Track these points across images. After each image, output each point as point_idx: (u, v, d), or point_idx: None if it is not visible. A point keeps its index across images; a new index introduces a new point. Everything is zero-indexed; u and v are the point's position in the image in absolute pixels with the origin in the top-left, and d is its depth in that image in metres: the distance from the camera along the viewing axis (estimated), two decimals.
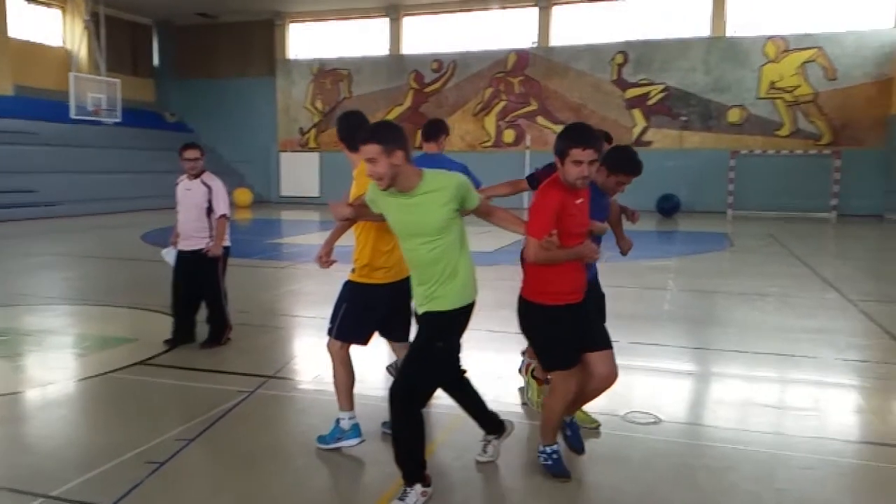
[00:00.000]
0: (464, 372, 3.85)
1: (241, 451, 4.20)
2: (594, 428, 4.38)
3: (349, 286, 4.22)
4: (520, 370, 5.17)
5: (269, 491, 3.66)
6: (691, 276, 11.11)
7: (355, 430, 4.17)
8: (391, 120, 3.60)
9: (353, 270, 4.20)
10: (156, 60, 32.29)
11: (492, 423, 3.92)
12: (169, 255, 6.55)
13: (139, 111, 28.70)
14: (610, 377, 3.72)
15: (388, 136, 3.17)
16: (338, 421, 4.19)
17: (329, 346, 4.21)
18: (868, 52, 23.43)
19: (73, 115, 23.27)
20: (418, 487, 3.42)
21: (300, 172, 30.02)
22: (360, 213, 3.69)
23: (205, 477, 3.90)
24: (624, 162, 4.03)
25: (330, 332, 4.20)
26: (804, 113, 24.22)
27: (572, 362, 3.66)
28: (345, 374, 4.20)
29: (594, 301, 4.38)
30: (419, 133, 21.80)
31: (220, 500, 3.60)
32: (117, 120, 24.89)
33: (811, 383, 5.60)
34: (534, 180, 4.44)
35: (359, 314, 4.15)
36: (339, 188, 22.49)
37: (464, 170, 4.63)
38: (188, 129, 31.32)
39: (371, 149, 3.15)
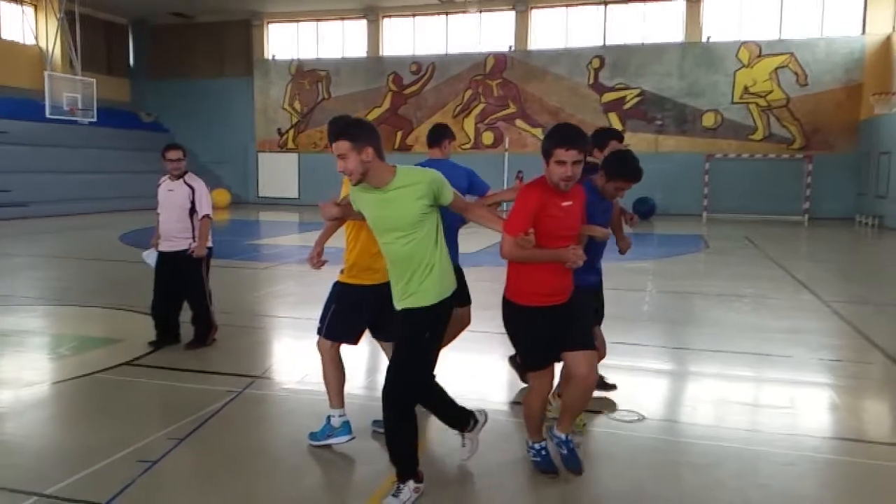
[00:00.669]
0: (433, 376, 3.90)
1: (232, 449, 4.23)
2: (581, 427, 4.44)
3: (338, 287, 4.27)
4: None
5: (263, 489, 3.70)
6: (669, 278, 11.29)
7: (345, 428, 4.23)
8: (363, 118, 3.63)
9: (342, 271, 4.26)
10: (131, 60, 31.99)
11: (462, 420, 3.89)
12: (150, 256, 6.51)
13: (114, 111, 28.41)
14: (587, 378, 3.68)
15: (359, 133, 3.25)
16: (328, 418, 4.24)
17: (319, 345, 4.26)
18: (838, 58, 23.96)
19: (48, 114, 22.97)
20: (411, 484, 3.48)
21: (278, 173, 29.95)
22: (347, 212, 3.74)
23: (197, 475, 3.92)
24: (621, 168, 4.00)
25: (319, 332, 4.26)
26: (777, 117, 24.70)
27: (545, 363, 3.71)
28: (335, 372, 4.25)
29: (594, 306, 4.42)
30: (398, 135, 22.06)
31: (213, 497, 3.63)
32: (93, 119, 24.60)
33: (788, 382, 5.75)
34: None
35: (347, 314, 4.20)
36: (318, 189, 22.66)
37: (470, 175, 4.69)
38: (164, 130, 31.12)
39: (341, 145, 3.23)
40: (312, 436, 4.25)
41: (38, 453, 4.15)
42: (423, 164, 4.58)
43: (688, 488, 3.75)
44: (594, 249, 4.19)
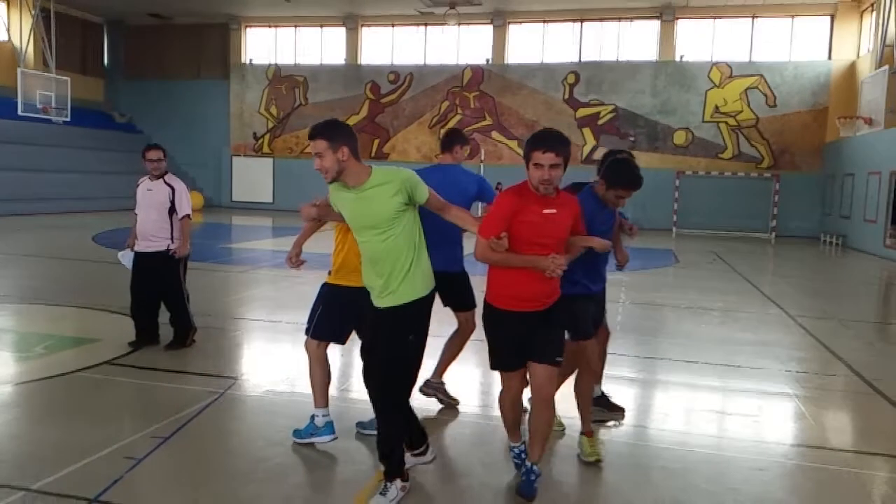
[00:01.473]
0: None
1: (216, 448, 4.28)
2: (596, 457, 4.21)
3: (325, 288, 4.36)
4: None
5: (249, 486, 3.75)
6: (642, 290, 11.50)
7: (329, 428, 4.30)
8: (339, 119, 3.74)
9: (330, 272, 4.34)
10: (106, 60, 31.64)
11: (412, 438, 3.91)
12: (125, 257, 6.50)
13: (88, 111, 28.06)
14: (540, 390, 3.66)
15: (335, 132, 3.40)
16: (312, 417, 4.32)
17: (306, 345, 4.33)
18: (805, 81, 24.65)
19: (20, 111, 22.62)
20: (398, 482, 3.58)
21: (253, 177, 29.81)
22: (325, 213, 3.88)
23: (183, 473, 3.95)
24: (620, 176, 4.02)
25: (307, 332, 4.33)
26: (746, 137, 25.28)
27: (507, 367, 3.72)
28: (321, 372, 4.33)
29: (597, 313, 4.41)
30: (375, 143, 22.24)
31: (200, 494, 3.67)
32: (66, 119, 24.28)
33: (757, 392, 5.93)
34: None
35: (334, 315, 4.28)
36: (293, 194, 22.76)
37: (480, 182, 4.74)
38: (138, 131, 30.82)
39: (319, 144, 3.38)
40: (296, 433, 4.33)
41: (22, 450, 4.15)
42: (431, 169, 4.69)
43: (663, 492, 3.88)
44: (599, 258, 4.17)
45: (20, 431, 4.48)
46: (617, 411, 5.01)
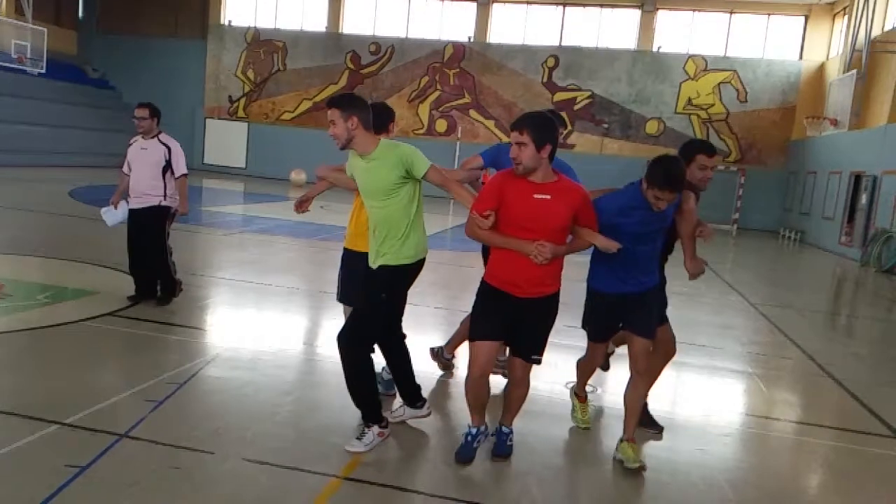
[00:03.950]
0: (403, 336, 4.32)
1: (231, 394, 4.59)
2: (638, 467, 3.96)
3: (344, 253, 4.68)
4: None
5: (269, 427, 4.06)
6: None
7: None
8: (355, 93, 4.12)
9: (345, 238, 4.67)
10: (80, 12, 30.94)
11: (410, 393, 4.29)
12: (108, 214, 6.63)
13: (60, 63, 27.47)
14: (515, 381, 3.79)
15: (348, 103, 3.81)
16: None
17: (344, 309, 4.66)
18: (776, 79, 25.40)
19: None
20: (375, 429, 3.90)
21: (226, 141, 29.59)
22: (329, 175, 4.37)
23: (207, 414, 4.24)
24: (654, 175, 3.65)
25: (337, 296, 4.68)
26: (716, 130, 25.98)
27: (479, 335, 3.71)
28: None
29: (658, 304, 4.33)
30: None
31: (226, 431, 3.95)
32: (42, 70, 23.83)
33: (719, 369, 6.45)
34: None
35: (354, 279, 4.57)
36: (267, 160, 22.67)
37: (568, 171, 4.33)
38: (110, 87, 30.32)
39: (333, 113, 3.80)
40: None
41: (50, 389, 4.37)
42: (507, 146, 4.97)
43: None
44: (636, 258, 3.89)
45: (44, 373, 4.71)
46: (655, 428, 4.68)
